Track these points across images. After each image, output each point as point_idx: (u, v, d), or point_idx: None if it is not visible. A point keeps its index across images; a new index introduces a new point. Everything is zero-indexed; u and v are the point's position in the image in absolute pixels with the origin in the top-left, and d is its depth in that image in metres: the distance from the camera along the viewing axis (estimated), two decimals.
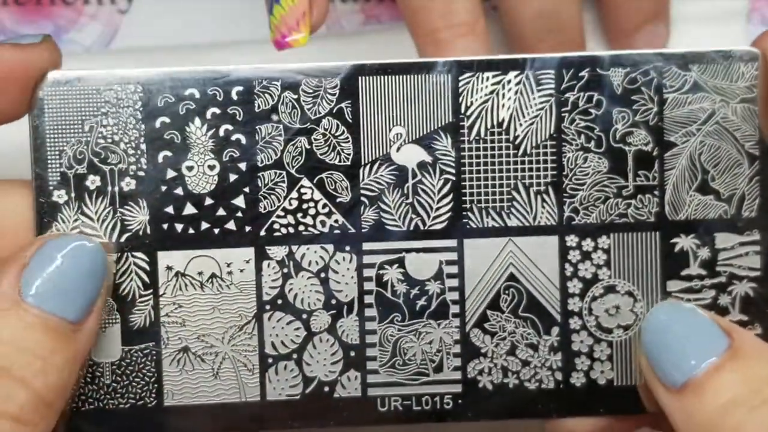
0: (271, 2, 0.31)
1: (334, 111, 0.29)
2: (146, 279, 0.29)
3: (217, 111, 0.29)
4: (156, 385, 0.30)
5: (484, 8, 0.35)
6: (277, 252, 0.30)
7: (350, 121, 0.29)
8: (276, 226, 0.29)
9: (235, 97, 0.29)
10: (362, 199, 0.30)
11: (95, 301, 0.28)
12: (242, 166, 0.29)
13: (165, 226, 0.29)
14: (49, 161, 0.29)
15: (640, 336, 0.29)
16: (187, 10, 0.37)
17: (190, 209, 0.29)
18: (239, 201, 0.29)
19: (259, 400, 0.30)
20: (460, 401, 0.30)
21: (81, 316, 0.28)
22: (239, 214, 0.29)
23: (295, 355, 0.30)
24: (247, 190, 0.29)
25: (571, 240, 0.30)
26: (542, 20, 0.37)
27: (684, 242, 0.30)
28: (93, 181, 0.29)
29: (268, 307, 0.30)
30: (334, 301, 0.30)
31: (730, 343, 0.27)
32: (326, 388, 0.30)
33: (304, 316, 0.30)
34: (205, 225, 0.29)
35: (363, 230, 0.30)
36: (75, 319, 0.27)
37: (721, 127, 0.30)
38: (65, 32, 0.39)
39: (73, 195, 0.29)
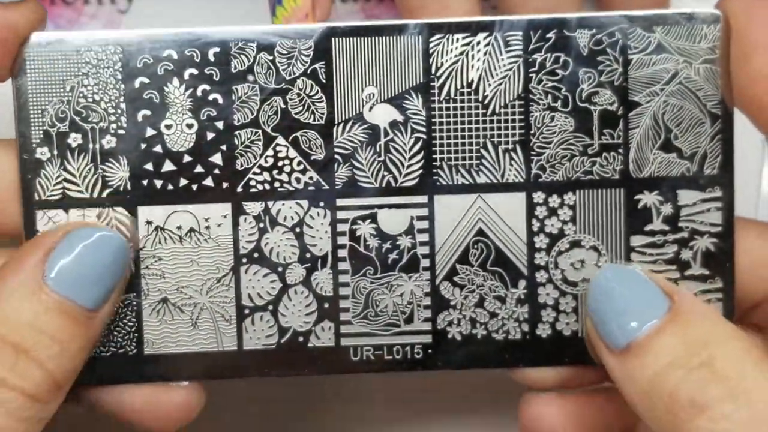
0: (274, 3, 0.32)
1: (308, 71, 0.30)
2: (127, 233, 0.31)
3: (195, 71, 0.30)
4: (136, 335, 0.31)
5: (482, 8, 0.35)
6: (254, 207, 0.31)
7: (324, 81, 0.30)
8: (252, 182, 0.31)
9: (212, 58, 0.30)
10: (336, 156, 0.31)
11: (113, 292, 0.29)
12: (219, 124, 0.30)
13: (145, 182, 0.30)
14: (32, 120, 0.30)
15: (586, 297, 0.30)
16: (187, 11, 0.38)
17: (169, 166, 0.30)
18: (216, 158, 0.31)
19: (236, 349, 0.31)
20: (429, 351, 0.31)
21: (98, 304, 0.29)
22: (216, 171, 0.31)
23: (270, 307, 0.31)
24: (224, 147, 0.30)
25: (538, 197, 0.31)
26: None
27: (647, 198, 0.31)
28: (75, 139, 0.30)
29: (244, 260, 0.31)
30: (308, 255, 0.31)
31: (670, 305, 0.28)
32: (301, 338, 0.31)
33: (280, 269, 0.31)
34: (183, 181, 0.30)
35: (337, 187, 0.31)
36: (93, 307, 0.29)
37: (684, 87, 0.31)
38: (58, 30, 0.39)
39: (55, 152, 0.30)
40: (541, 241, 0.31)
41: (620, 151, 0.31)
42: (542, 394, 0.32)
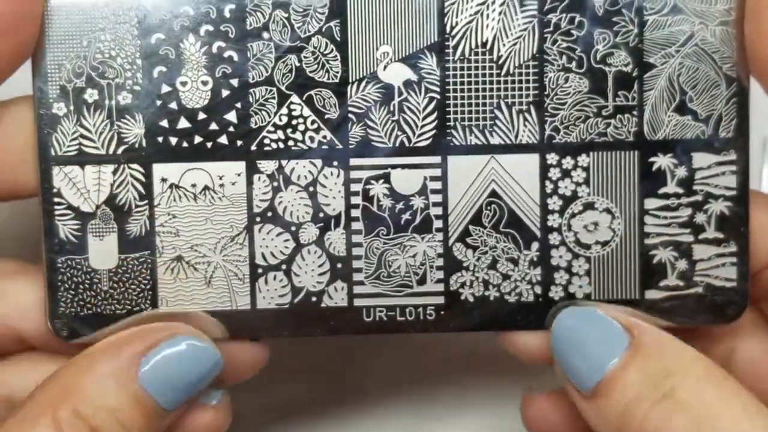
0: None
1: (323, 30, 0.31)
2: (142, 190, 0.31)
3: (210, 28, 0.30)
4: (151, 292, 0.31)
5: None
6: (268, 166, 0.31)
7: (339, 39, 0.31)
8: (266, 141, 0.31)
9: (227, 14, 0.30)
10: (350, 116, 0.31)
11: (192, 399, 0.30)
12: (234, 82, 0.31)
13: (160, 139, 0.31)
14: (49, 75, 0.30)
15: (550, 343, 0.30)
16: None
17: (183, 123, 0.31)
18: (231, 116, 0.31)
19: (250, 308, 0.31)
20: (442, 312, 0.31)
21: (176, 408, 0.30)
22: (231, 128, 0.31)
23: (284, 266, 0.31)
24: (238, 105, 0.31)
25: (552, 158, 0.31)
26: None
27: (662, 161, 0.31)
28: (91, 95, 0.30)
29: (258, 219, 0.31)
30: (321, 215, 0.31)
31: (630, 340, 0.29)
32: (314, 298, 0.31)
33: (293, 228, 0.31)
34: (198, 139, 0.31)
35: (350, 146, 0.31)
36: (171, 409, 0.30)
37: (700, 49, 0.31)
38: None
39: (72, 108, 0.30)
40: (554, 202, 0.31)
41: (635, 113, 0.31)
42: (542, 392, 0.33)
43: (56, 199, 0.31)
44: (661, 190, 0.31)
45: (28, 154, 0.31)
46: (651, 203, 0.31)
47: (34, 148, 0.31)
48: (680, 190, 0.31)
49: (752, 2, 0.29)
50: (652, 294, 0.31)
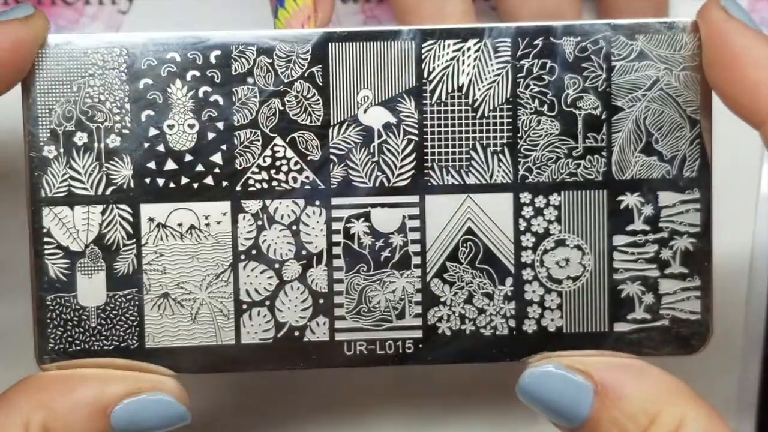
0: (276, 5, 0.33)
1: (305, 75, 0.32)
2: (130, 230, 0.32)
3: (197, 73, 0.32)
4: (138, 329, 0.32)
5: (480, 9, 0.36)
6: (252, 206, 0.32)
7: (321, 84, 0.32)
8: (251, 181, 0.32)
9: (213, 60, 0.32)
10: (331, 157, 0.32)
11: None
12: (220, 125, 0.32)
13: (147, 180, 0.32)
14: (39, 118, 0.31)
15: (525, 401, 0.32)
16: (188, 12, 0.40)
17: (171, 165, 0.32)
18: (217, 158, 0.32)
19: (234, 343, 0.32)
20: (420, 346, 0.33)
21: None
22: (217, 170, 0.32)
23: (267, 302, 0.32)
24: (224, 147, 0.32)
25: (525, 197, 0.33)
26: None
27: (629, 200, 0.33)
28: (80, 138, 0.32)
29: (243, 256, 0.32)
30: (304, 252, 0.32)
31: (594, 388, 0.31)
32: (296, 333, 0.33)
33: (277, 265, 0.32)
34: (184, 180, 0.32)
35: (332, 186, 0.32)
36: None
37: (665, 93, 0.32)
38: (66, 32, 0.40)
39: (62, 150, 0.32)
40: (527, 239, 0.33)
41: (603, 154, 0.32)
42: None
43: (46, 239, 0.32)
44: (629, 227, 0.33)
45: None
46: (619, 240, 0.33)
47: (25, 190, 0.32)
48: (647, 227, 0.33)
49: (721, 54, 0.31)
50: (620, 326, 0.33)
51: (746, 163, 0.36)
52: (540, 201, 0.33)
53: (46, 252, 0.32)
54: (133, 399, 0.31)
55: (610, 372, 0.31)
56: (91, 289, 0.32)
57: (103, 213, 0.32)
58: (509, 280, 0.33)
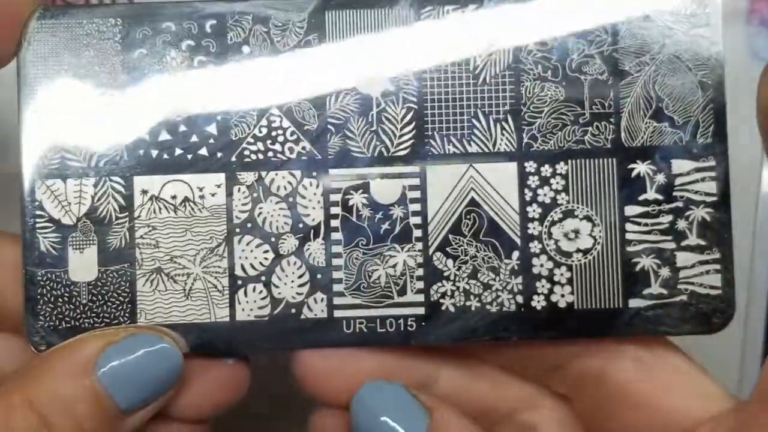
0: None
1: (302, 43, 0.32)
2: (122, 202, 0.31)
3: (192, 43, 0.32)
4: (130, 305, 0.31)
5: None
6: (247, 177, 0.31)
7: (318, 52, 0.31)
8: (246, 152, 0.31)
9: (209, 30, 0.32)
10: (329, 126, 0.31)
11: (151, 403, 0.31)
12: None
13: (141, 151, 0.31)
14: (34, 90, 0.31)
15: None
16: None
17: (164, 135, 0.31)
18: (211, 128, 0.31)
19: (229, 320, 0.31)
20: (423, 323, 0.31)
21: (133, 409, 0.30)
22: (211, 140, 0.31)
23: (263, 277, 0.31)
24: (218, 118, 0.31)
25: (530, 166, 0.31)
26: None
27: (640, 168, 0.31)
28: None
29: (237, 230, 0.31)
30: (301, 225, 0.31)
31: (429, 423, 0.30)
32: (293, 310, 0.31)
33: (273, 239, 0.31)
34: (178, 151, 0.31)
35: (329, 157, 0.31)
36: (126, 408, 0.30)
37: (674, 56, 0.31)
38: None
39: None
40: (534, 210, 0.31)
41: (612, 120, 0.31)
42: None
43: (38, 212, 0.31)
44: (641, 197, 0.31)
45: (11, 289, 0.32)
46: (631, 210, 0.31)
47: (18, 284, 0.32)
48: (660, 197, 0.31)
49: None
50: (636, 302, 0.31)
51: (746, 163, 0.35)
52: (546, 170, 0.31)
53: (37, 226, 0.31)
54: (115, 352, 0.30)
55: (448, 421, 0.30)
56: (83, 264, 0.31)
57: (95, 185, 0.31)
58: (516, 254, 0.31)
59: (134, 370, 0.30)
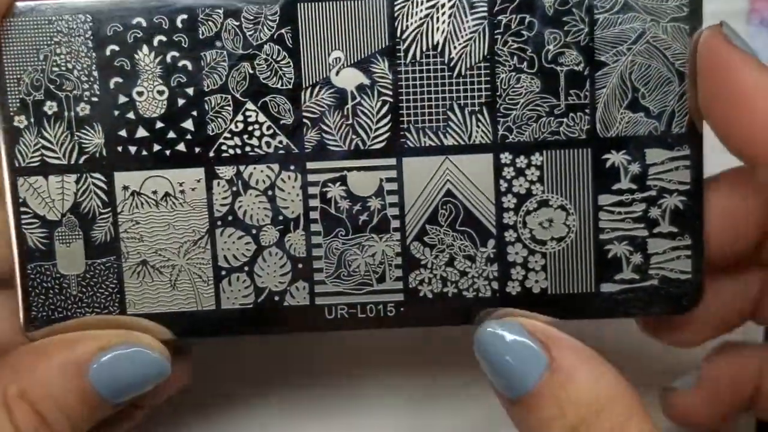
0: None
1: (275, 37, 0.31)
2: (105, 198, 0.32)
3: (164, 38, 0.31)
4: (118, 296, 0.33)
5: None
6: (226, 172, 0.32)
7: (291, 46, 0.31)
8: (224, 147, 0.32)
9: (180, 24, 0.31)
10: (305, 120, 0.32)
11: (135, 397, 0.32)
12: (189, 91, 0.32)
13: (120, 148, 0.32)
14: (8, 88, 0.32)
15: (475, 352, 0.32)
16: None
17: (142, 132, 0.32)
18: (188, 124, 0.32)
19: (214, 308, 0.33)
20: (402, 309, 0.33)
21: (118, 402, 0.32)
22: (188, 136, 0.32)
23: (246, 268, 0.33)
24: (195, 113, 0.32)
25: (506, 157, 0.32)
26: None
27: (615, 158, 0.32)
28: (50, 107, 0.32)
29: (219, 223, 0.32)
30: (281, 217, 0.32)
31: (548, 362, 0.30)
32: (276, 298, 0.33)
33: (254, 231, 0.32)
34: (157, 147, 0.32)
35: (306, 150, 0.32)
36: (111, 403, 0.32)
37: (652, 46, 0.31)
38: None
39: (32, 120, 0.32)
40: (509, 201, 0.32)
41: (587, 111, 0.32)
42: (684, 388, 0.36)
43: (23, 209, 0.32)
44: (615, 186, 0.32)
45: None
46: (605, 199, 0.32)
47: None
48: (634, 186, 0.32)
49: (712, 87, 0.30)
50: (607, 287, 0.32)
51: (722, 150, 0.35)
52: (521, 161, 0.32)
53: (23, 222, 0.32)
54: (107, 354, 0.32)
55: (569, 353, 0.31)
56: (70, 258, 0.33)
57: (77, 182, 0.32)
58: (491, 242, 0.32)
59: (123, 374, 0.32)
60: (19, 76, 0.32)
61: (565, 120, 0.32)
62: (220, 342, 0.33)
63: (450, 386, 0.42)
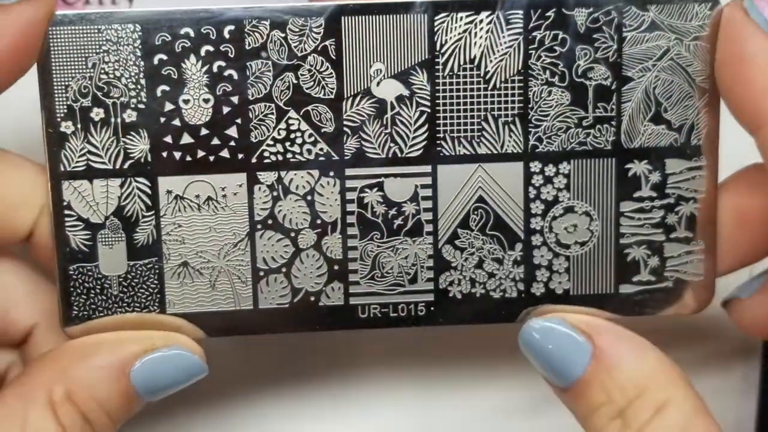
0: None
1: (319, 48, 0.33)
2: (148, 202, 0.33)
3: (211, 48, 0.32)
4: (159, 296, 0.34)
5: None
6: (267, 177, 0.33)
7: (334, 57, 0.33)
8: (266, 153, 0.33)
9: (227, 35, 0.32)
10: (345, 129, 0.33)
11: (169, 393, 0.34)
12: (234, 99, 0.33)
13: (164, 154, 0.33)
14: (56, 95, 0.32)
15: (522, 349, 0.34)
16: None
17: (187, 138, 0.33)
18: (232, 131, 0.33)
19: (252, 308, 0.34)
20: (432, 308, 0.35)
21: (153, 399, 0.34)
22: (232, 143, 0.33)
23: (284, 269, 0.34)
24: (239, 121, 0.33)
25: (535, 166, 0.34)
26: None
27: (637, 167, 0.34)
28: (97, 113, 0.33)
29: (259, 226, 0.34)
30: (319, 221, 0.34)
31: (592, 351, 0.33)
32: (312, 298, 0.34)
33: (292, 234, 0.34)
34: (201, 153, 0.33)
35: (346, 158, 0.33)
36: (149, 399, 0.34)
37: (675, 62, 0.33)
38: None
39: (79, 126, 0.33)
40: (537, 207, 0.34)
41: (613, 123, 0.34)
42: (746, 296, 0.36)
43: (66, 212, 0.33)
44: (636, 194, 0.34)
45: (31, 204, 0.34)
46: (626, 206, 0.34)
47: (45, 164, 0.33)
48: (654, 194, 0.34)
49: (726, 53, 0.32)
50: (625, 288, 0.35)
51: (736, 162, 0.37)
52: (550, 170, 0.34)
53: (67, 224, 0.33)
54: (150, 356, 0.33)
55: (611, 339, 0.33)
56: (113, 259, 0.34)
57: (121, 186, 0.33)
58: (519, 246, 0.34)
59: (163, 376, 0.33)
60: (67, 83, 0.32)
61: (592, 131, 0.34)
62: (220, 342, 0.35)
63: (450, 386, 0.44)
